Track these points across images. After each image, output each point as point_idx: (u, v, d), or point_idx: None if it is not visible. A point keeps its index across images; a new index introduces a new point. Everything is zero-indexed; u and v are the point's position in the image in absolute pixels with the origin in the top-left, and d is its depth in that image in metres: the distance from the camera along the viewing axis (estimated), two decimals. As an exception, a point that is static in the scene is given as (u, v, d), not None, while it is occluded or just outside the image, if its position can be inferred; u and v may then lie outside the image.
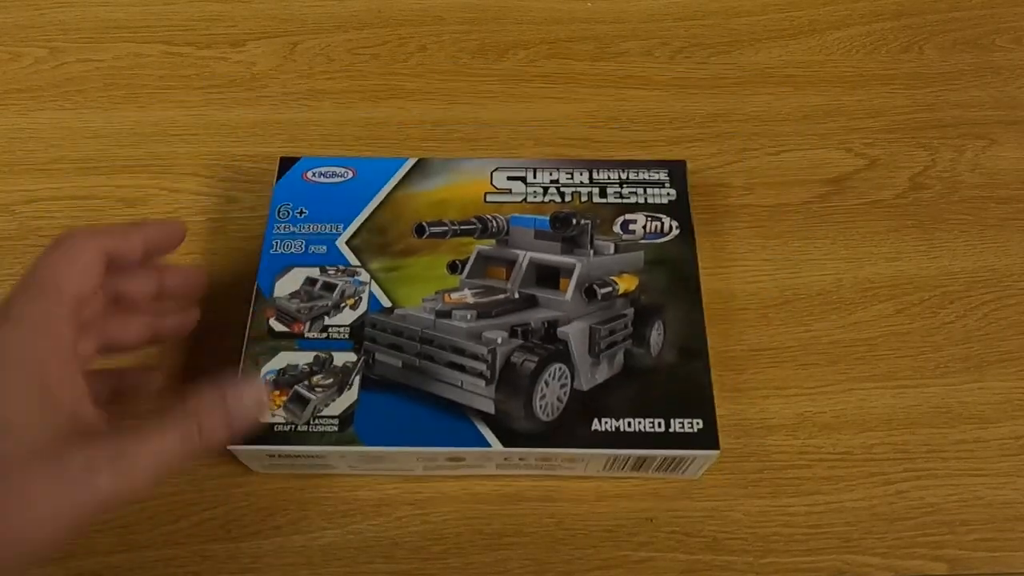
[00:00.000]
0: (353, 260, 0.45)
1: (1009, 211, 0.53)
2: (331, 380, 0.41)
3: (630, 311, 0.44)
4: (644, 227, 0.46)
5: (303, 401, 0.40)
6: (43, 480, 0.27)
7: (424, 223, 0.45)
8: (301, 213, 0.47)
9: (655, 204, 0.47)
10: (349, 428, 0.40)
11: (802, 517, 0.43)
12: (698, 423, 0.40)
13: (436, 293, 0.44)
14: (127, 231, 0.35)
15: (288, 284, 0.44)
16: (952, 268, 0.51)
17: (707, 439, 0.40)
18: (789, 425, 0.46)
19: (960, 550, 0.42)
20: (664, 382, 0.41)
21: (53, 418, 0.29)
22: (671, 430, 0.40)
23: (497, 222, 0.46)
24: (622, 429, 0.40)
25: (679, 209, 0.47)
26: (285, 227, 0.46)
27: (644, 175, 0.48)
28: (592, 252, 0.45)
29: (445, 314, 0.42)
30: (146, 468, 0.29)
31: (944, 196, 0.54)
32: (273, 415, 0.40)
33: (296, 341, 0.43)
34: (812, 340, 0.48)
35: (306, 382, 0.41)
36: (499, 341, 0.41)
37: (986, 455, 0.45)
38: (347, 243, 0.46)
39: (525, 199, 0.47)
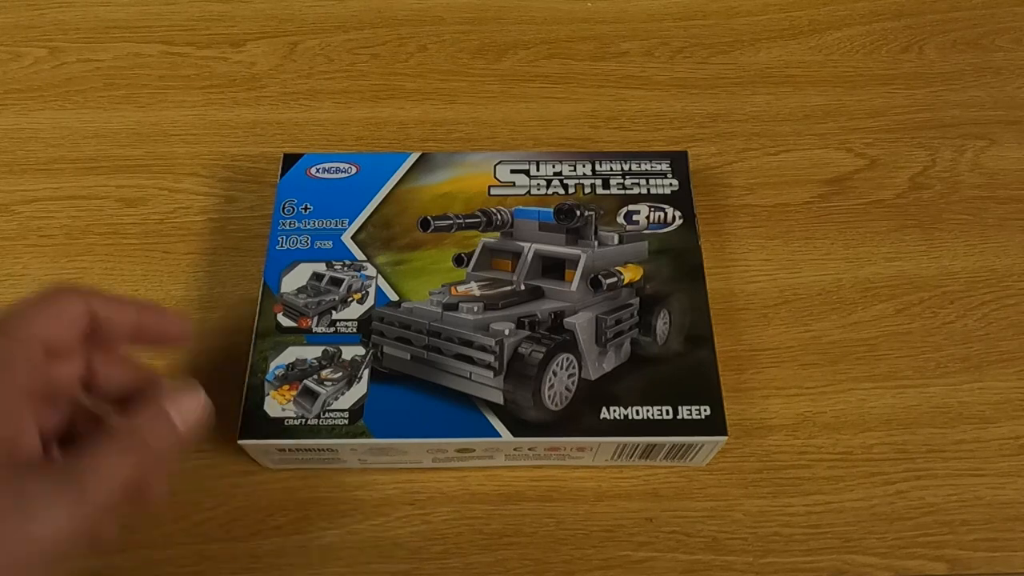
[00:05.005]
0: (359, 255, 0.45)
1: (1009, 211, 0.53)
2: (340, 374, 0.41)
3: (635, 300, 0.44)
4: (647, 217, 0.47)
5: (313, 395, 0.41)
6: None
7: (428, 217, 0.45)
8: (306, 209, 0.47)
9: (658, 194, 0.47)
10: (359, 421, 0.40)
11: (802, 517, 0.43)
12: (705, 409, 0.40)
13: (443, 286, 0.44)
14: (123, 303, 0.32)
15: (295, 279, 0.44)
16: (952, 268, 0.51)
17: (715, 425, 0.40)
18: (789, 425, 0.46)
19: (960, 550, 0.42)
20: (671, 370, 0.42)
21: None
22: (679, 417, 0.40)
23: (501, 215, 0.47)
24: (631, 417, 0.40)
25: (682, 199, 0.47)
26: (290, 223, 0.46)
27: (646, 166, 0.48)
28: (596, 243, 0.46)
29: (452, 307, 0.42)
30: (96, 493, 0.26)
31: (944, 196, 0.54)
32: (283, 410, 0.40)
33: (304, 336, 0.43)
34: (812, 340, 0.48)
35: (315, 376, 0.41)
36: (506, 332, 0.41)
37: (986, 455, 0.45)
38: (352, 238, 0.46)
39: (529, 192, 0.48)
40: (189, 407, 0.30)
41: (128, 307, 0.32)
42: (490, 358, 0.41)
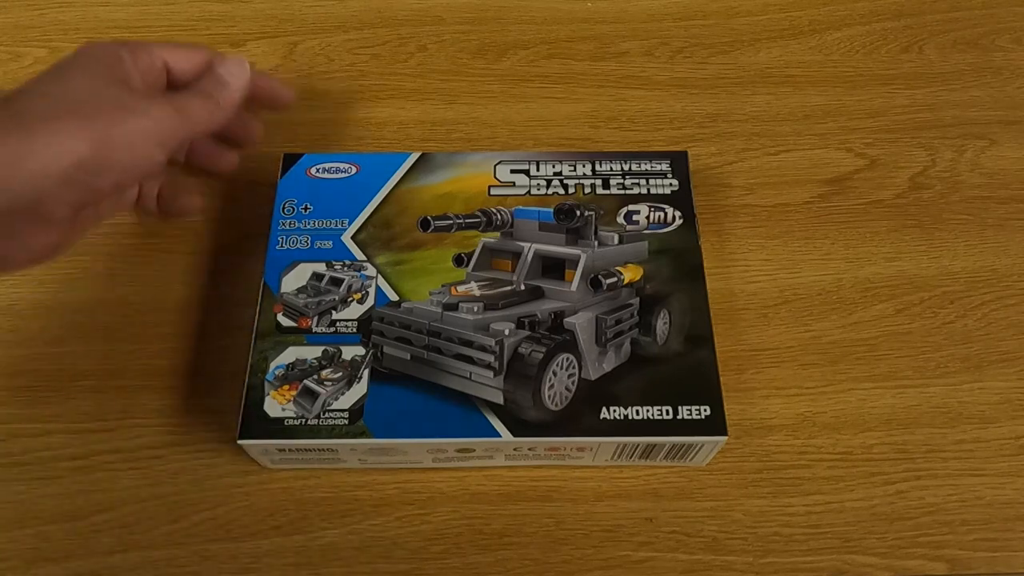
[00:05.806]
0: (359, 255, 0.45)
1: (1009, 211, 0.53)
2: (340, 374, 0.41)
3: (635, 300, 0.44)
4: (647, 217, 0.47)
5: (312, 395, 0.41)
6: (119, 115, 0.36)
7: (428, 217, 0.45)
8: (306, 209, 0.47)
9: (658, 194, 0.47)
10: (359, 421, 0.40)
11: (802, 517, 0.43)
12: (705, 409, 0.40)
13: (443, 286, 0.44)
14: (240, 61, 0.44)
15: (295, 279, 0.44)
16: (952, 268, 0.51)
17: (715, 425, 0.40)
18: (789, 425, 0.46)
19: (960, 550, 0.42)
20: (671, 370, 0.42)
21: (121, 86, 0.38)
22: (679, 417, 0.40)
23: (501, 215, 0.47)
24: (631, 417, 0.40)
25: (682, 199, 0.47)
26: (290, 223, 0.46)
27: (646, 166, 0.48)
28: (596, 243, 0.46)
29: (452, 307, 0.42)
30: (191, 115, 0.39)
31: (944, 196, 0.54)
32: (283, 410, 0.40)
33: (304, 336, 0.43)
34: (812, 340, 0.48)
35: (315, 376, 0.41)
36: (506, 332, 0.41)
37: (986, 455, 0.45)
38: (352, 238, 0.46)
39: (529, 192, 0.48)
40: (235, 70, 0.42)
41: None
42: (490, 358, 0.41)
